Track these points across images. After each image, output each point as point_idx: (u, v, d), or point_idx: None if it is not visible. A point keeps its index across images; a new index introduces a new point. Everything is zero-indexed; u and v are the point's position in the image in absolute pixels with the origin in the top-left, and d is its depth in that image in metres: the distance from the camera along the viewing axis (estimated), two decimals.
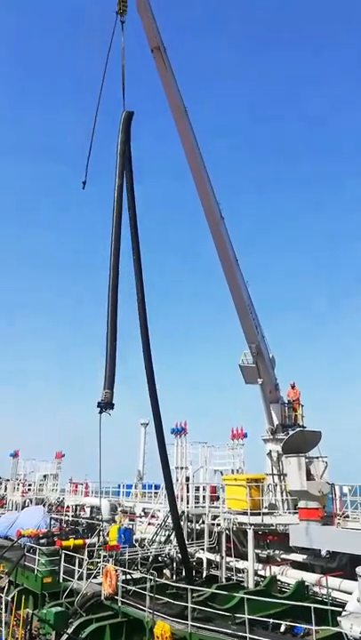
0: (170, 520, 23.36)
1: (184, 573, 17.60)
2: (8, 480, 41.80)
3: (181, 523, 22.61)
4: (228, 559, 20.60)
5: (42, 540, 22.01)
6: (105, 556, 18.87)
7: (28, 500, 36.79)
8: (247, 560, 19.38)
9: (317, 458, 20.90)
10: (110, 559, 18.57)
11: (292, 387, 25.85)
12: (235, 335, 24.82)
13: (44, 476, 39.99)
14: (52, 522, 25.99)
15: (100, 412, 12.78)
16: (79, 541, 21.51)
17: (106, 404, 12.82)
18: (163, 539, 22.77)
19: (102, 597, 16.61)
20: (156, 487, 30.48)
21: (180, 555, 19.56)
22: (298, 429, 23.37)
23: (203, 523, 23.02)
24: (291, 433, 22.97)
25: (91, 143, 15.17)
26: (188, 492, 24.16)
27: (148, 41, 18.63)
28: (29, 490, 38.53)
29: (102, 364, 13.59)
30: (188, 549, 21.81)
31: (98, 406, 12.76)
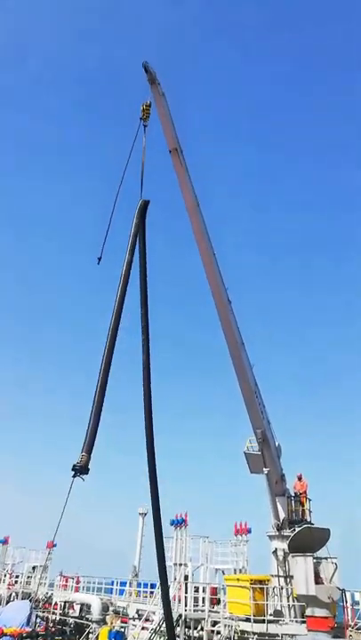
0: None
1: None
2: None
3: (178, 628, 20.76)
4: None
5: None
6: None
7: (13, 594, 34.17)
8: None
9: (326, 558, 19.55)
10: None
11: (299, 478, 24.86)
12: (241, 422, 24.33)
13: (33, 568, 37.50)
14: (38, 620, 23.96)
15: (74, 477, 12.07)
16: None
17: (81, 468, 12.18)
18: None
19: None
20: (152, 586, 28.27)
21: None
22: (305, 526, 22.08)
23: (202, 629, 21.08)
24: (297, 529, 21.67)
25: (108, 227, 15.95)
26: (186, 592, 22.39)
27: (166, 143, 19.83)
28: (16, 582, 35.94)
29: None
30: None
31: (72, 469, 12.13)
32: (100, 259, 15.33)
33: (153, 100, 18.56)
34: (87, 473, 12.12)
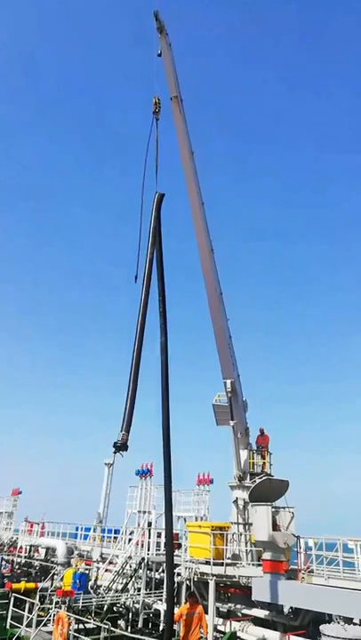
0: (127, 567, 22.40)
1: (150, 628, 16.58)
2: None
3: (140, 570, 21.74)
4: None
5: None
6: (57, 602, 17.80)
7: None
8: (207, 614, 18.52)
9: (284, 508, 20.49)
10: (63, 605, 17.52)
11: (262, 433, 25.64)
12: (211, 378, 24.79)
13: None
14: (3, 563, 24.55)
15: (115, 453, 12.96)
16: (31, 584, 20.38)
17: (121, 445, 12.92)
18: (120, 587, 21.69)
19: None
20: (116, 532, 29.29)
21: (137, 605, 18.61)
22: (265, 477, 23.01)
23: (163, 572, 22.11)
24: (258, 480, 22.58)
25: (139, 245, 15.66)
26: (149, 537, 23.32)
27: (169, 90, 21.06)
28: None
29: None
30: (146, 600, 20.86)
31: (113, 446, 12.89)
32: (136, 277, 15.22)
33: (161, 48, 19.92)
34: (126, 450, 12.75)
